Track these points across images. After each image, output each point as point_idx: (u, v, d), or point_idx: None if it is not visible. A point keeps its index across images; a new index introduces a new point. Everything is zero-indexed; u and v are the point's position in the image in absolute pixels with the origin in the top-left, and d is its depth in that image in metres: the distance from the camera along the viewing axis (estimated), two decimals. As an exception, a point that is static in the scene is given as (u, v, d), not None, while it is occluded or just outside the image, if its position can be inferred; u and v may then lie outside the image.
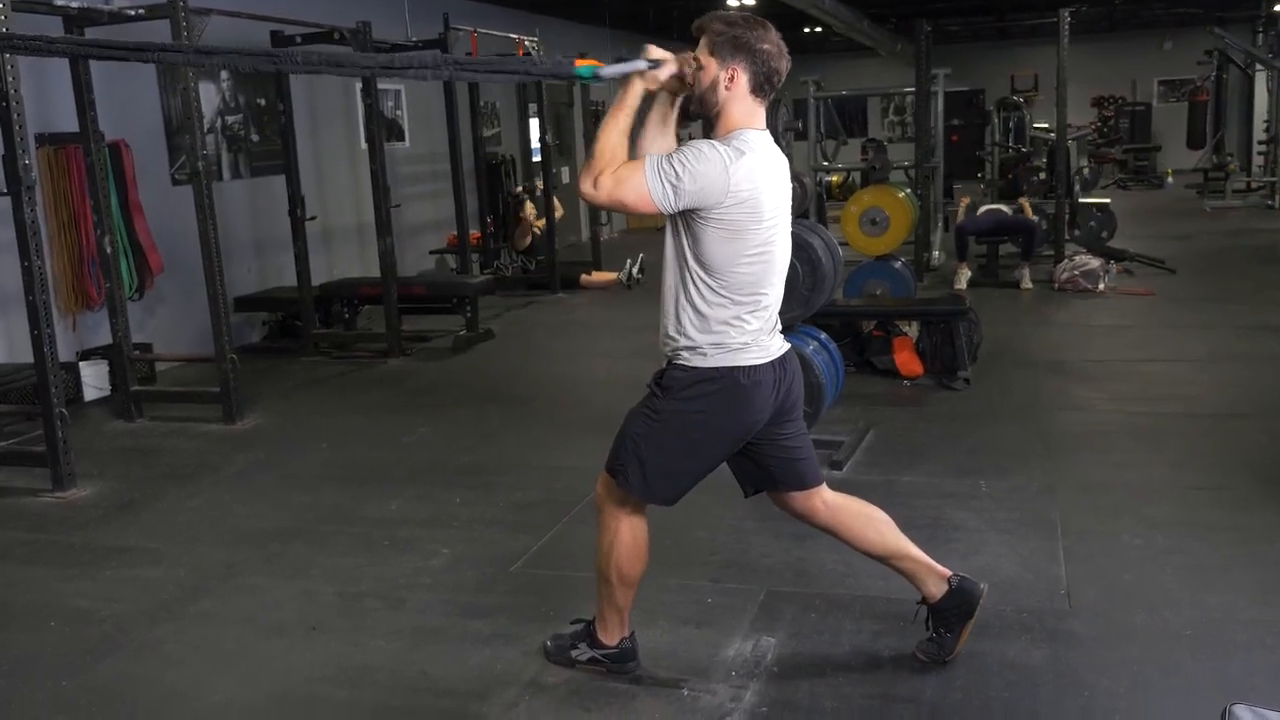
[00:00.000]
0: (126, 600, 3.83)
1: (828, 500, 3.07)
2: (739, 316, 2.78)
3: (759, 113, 2.80)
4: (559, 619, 3.41)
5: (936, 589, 3.06)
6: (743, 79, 2.74)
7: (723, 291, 2.75)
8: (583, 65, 2.79)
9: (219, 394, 6.16)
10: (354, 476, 5.14)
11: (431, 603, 3.72)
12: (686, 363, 2.82)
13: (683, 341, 2.81)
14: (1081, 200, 10.99)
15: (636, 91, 2.76)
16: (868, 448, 5.21)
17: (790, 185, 2.91)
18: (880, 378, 6.52)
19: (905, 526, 4.13)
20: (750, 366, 2.80)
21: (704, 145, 2.68)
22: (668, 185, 2.64)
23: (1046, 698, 2.94)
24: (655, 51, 2.76)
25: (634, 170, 2.69)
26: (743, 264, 2.75)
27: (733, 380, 2.79)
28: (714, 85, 2.75)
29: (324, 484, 5.06)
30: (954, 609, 3.06)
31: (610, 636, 3.10)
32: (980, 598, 3.08)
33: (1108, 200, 11.77)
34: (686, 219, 2.74)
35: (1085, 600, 3.50)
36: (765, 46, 2.73)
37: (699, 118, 2.85)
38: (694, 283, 2.77)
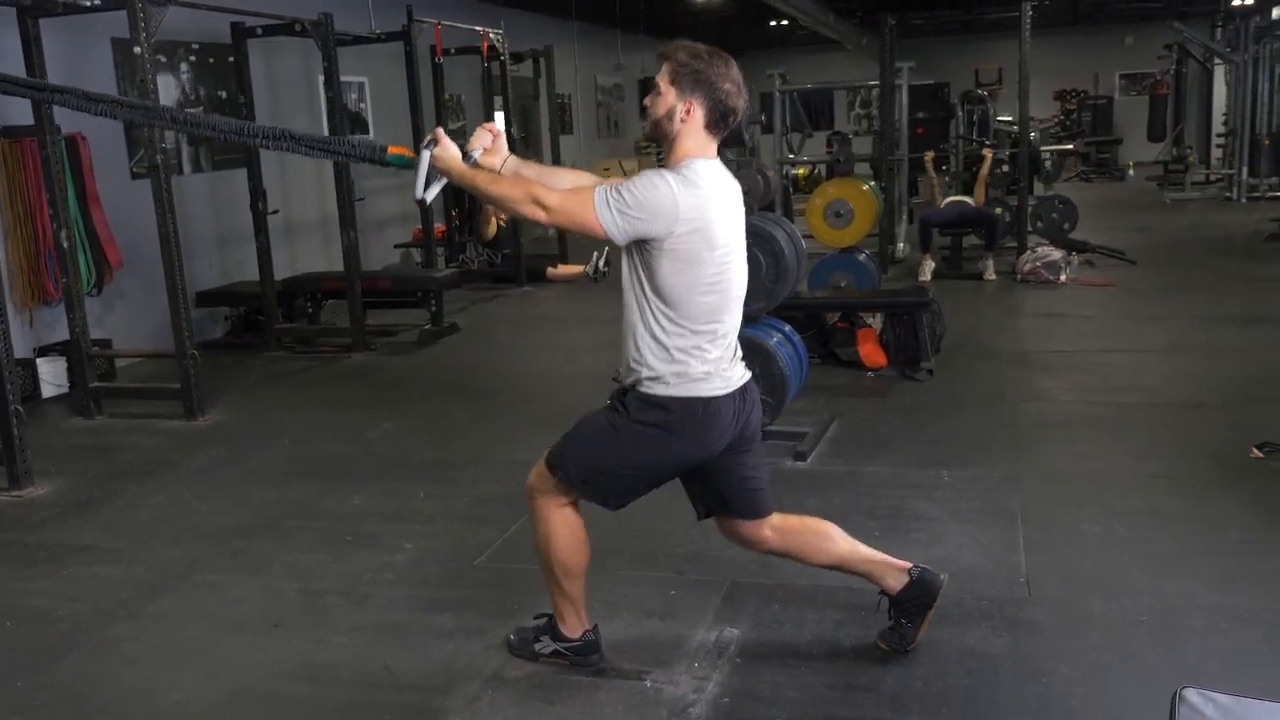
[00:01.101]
0: (85, 599, 3.79)
1: (775, 525, 3.10)
2: (698, 346, 2.81)
3: (711, 145, 2.83)
4: (522, 613, 3.40)
5: (896, 582, 3.09)
6: (699, 113, 2.76)
7: (681, 322, 2.78)
8: (394, 154, 3.00)
9: (180, 390, 6.10)
10: (317, 472, 5.11)
11: (395, 598, 3.70)
12: (649, 390, 2.83)
13: (645, 372, 2.83)
14: (1046, 152, 11.01)
15: (455, 167, 2.88)
16: (832, 438, 5.23)
17: (743, 212, 2.93)
18: (844, 369, 6.55)
19: (868, 516, 4.17)
20: (711, 398, 2.83)
21: (653, 175, 2.71)
22: (616, 212, 2.67)
23: (1006, 685, 2.96)
24: (432, 135, 2.92)
25: (584, 197, 2.72)
26: (699, 294, 2.77)
27: (693, 410, 2.82)
28: (670, 115, 2.78)
29: (287, 480, 5.03)
30: (914, 599, 3.08)
31: (571, 629, 3.10)
32: (940, 588, 3.10)
33: (1069, 151, 11.77)
34: (641, 251, 2.76)
35: (1045, 589, 3.53)
36: (726, 85, 2.76)
37: (655, 141, 2.88)
38: (652, 314, 2.79)
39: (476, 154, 2.94)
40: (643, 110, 2.90)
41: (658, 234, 2.68)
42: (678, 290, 2.75)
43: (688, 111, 2.75)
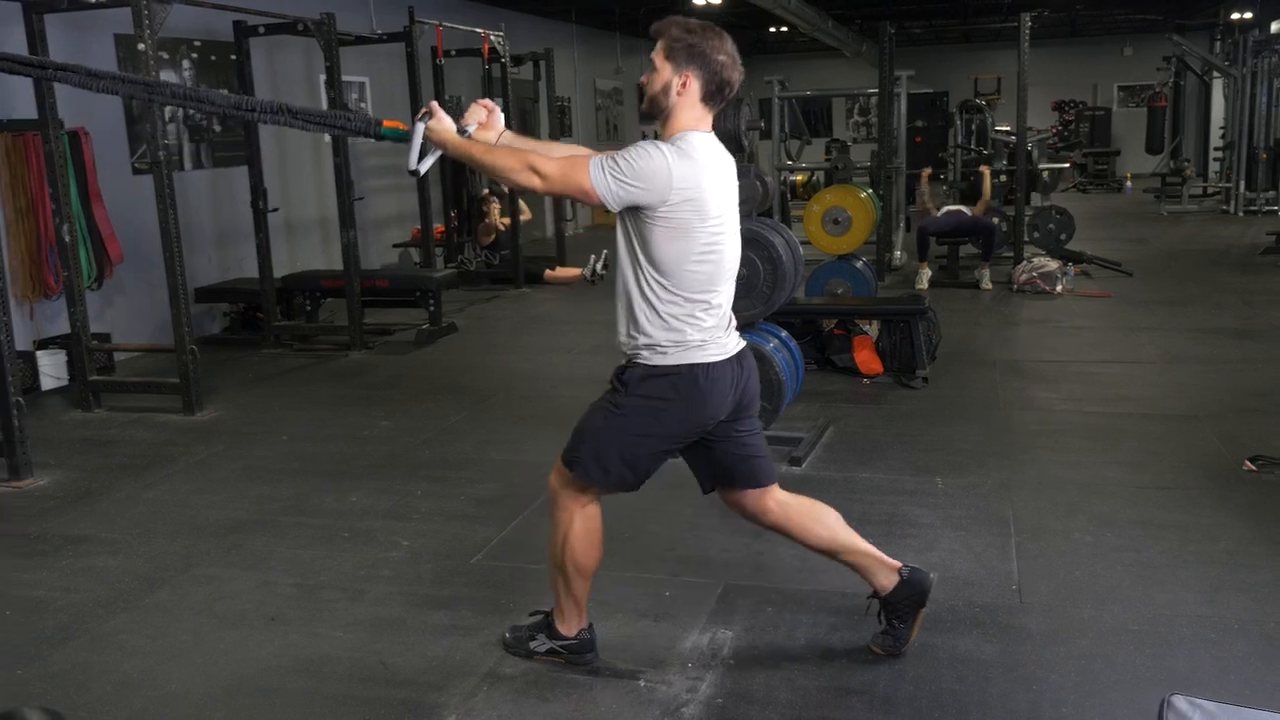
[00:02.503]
0: (83, 590, 3.82)
1: (779, 499, 3.11)
2: (693, 314, 2.82)
3: (707, 119, 2.85)
4: (518, 611, 3.43)
5: (887, 580, 3.11)
6: (694, 86, 2.78)
7: (675, 290, 2.80)
8: (389, 127, 3.00)
9: (178, 385, 6.12)
10: (314, 469, 5.13)
11: (391, 594, 3.73)
12: (646, 361, 2.85)
13: (641, 340, 2.84)
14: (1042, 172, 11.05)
15: (449, 139, 2.89)
16: (827, 444, 5.27)
17: (737, 186, 2.95)
18: (840, 375, 6.59)
19: (861, 522, 4.19)
20: (708, 364, 2.85)
21: (649, 145, 2.73)
22: (611, 178, 2.69)
23: (996, 691, 2.99)
24: (427, 108, 2.92)
25: (580, 164, 2.73)
26: (692, 263, 2.79)
27: (692, 377, 2.83)
28: (665, 90, 2.79)
29: (284, 476, 5.05)
30: (905, 599, 3.11)
31: (568, 628, 3.13)
32: (930, 587, 3.13)
33: (1068, 167, 11.85)
34: (635, 220, 2.78)
35: (1036, 596, 3.56)
36: (720, 57, 2.78)
37: (651, 119, 2.89)
38: (647, 282, 2.81)
39: (471, 129, 2.96)
40: (640, 95, 2.93)
41: (651, 202, 2.71)
42: (671, 259, 2.77)
43: (684, 85, 2.77)
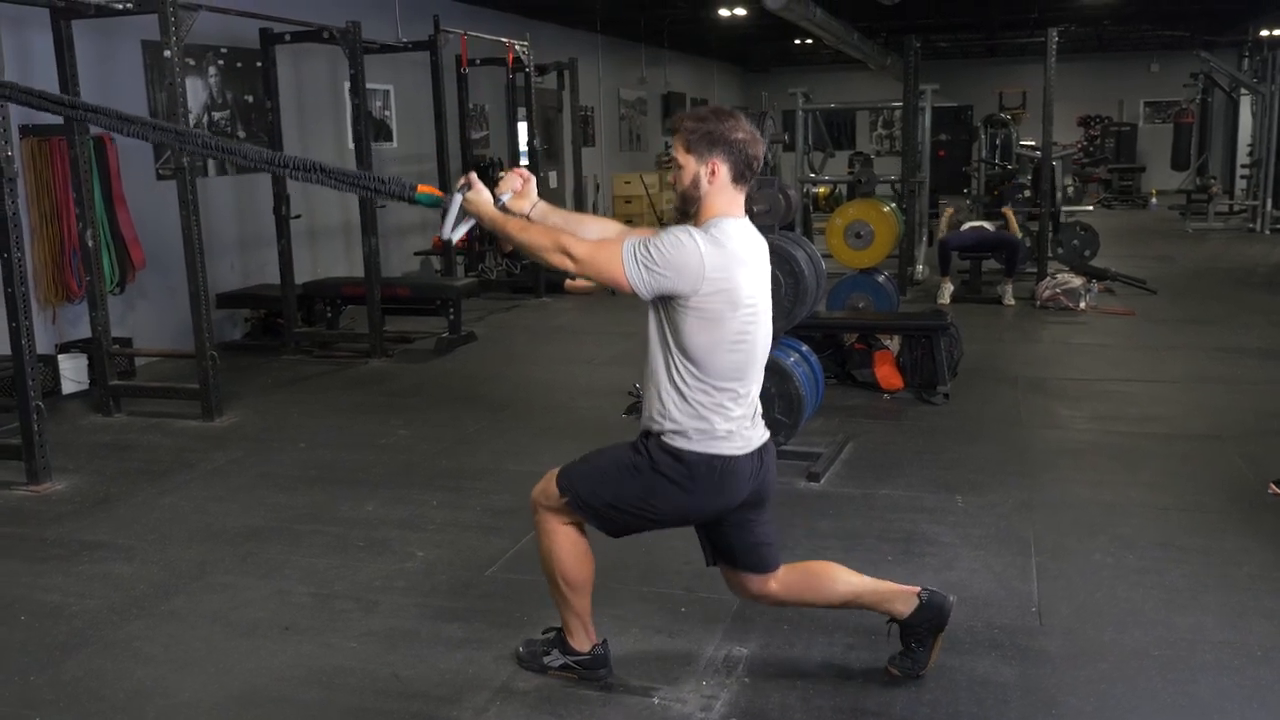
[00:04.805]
0: (98, 596, 3.82)
1: (780, 579, 3.09)
2: (721, 404, 2.81)
3: (739, 200, 2.84)
4: (532, 624, 3.41)
5: (906, 606, 3.09)
6: (723, 170, 2.78)
7: (704, 378, 2.79)
8: (424, 193, 3.05)
9: (198, 390, 6.14)
10: (331, 477, 5.13)
11: (405, 605, 3.71)
12: (670, 443, 2.85)
13: (668, 425, 2.84)
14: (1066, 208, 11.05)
15: (485, 212, 2.95)
16: (846, 460, 5.23)
17: (769, 271, 2.93)
18: (860, 390, 6.55)
19: (880, 540, 4.17)
20: (730, 457, 2.84)
21: (681, 233, 2.71)
22: (643, 268, 2.68)
23: (1015, 715, 2.95)
24: (466, 179, 3.00)
25: (612, 250, 2.73)
26: (723, 352, 2.78)
27: (710, 468, 2.83)
28: (695, 182, 2.79)
29: (301, 484, 5.05)
30: (924, 623, 3.08)
31: (580, 643, 3.11)
32: (949, 611, 3.10)
33: (1090, 207, 11.84)
34: (666, 307, 2.78)
35: (1056, 618, 3.52)
36: (739, 135, 2.77)
37: (684, 212, 2.87)
38: (677, 368, 2.81)
39: (506, 198, 3.00)
40: (667, 152, 2.92)
41: (683, 291, 2.70)
42: (702, 347, 2.76)
43: (712, 172, 2.77)
